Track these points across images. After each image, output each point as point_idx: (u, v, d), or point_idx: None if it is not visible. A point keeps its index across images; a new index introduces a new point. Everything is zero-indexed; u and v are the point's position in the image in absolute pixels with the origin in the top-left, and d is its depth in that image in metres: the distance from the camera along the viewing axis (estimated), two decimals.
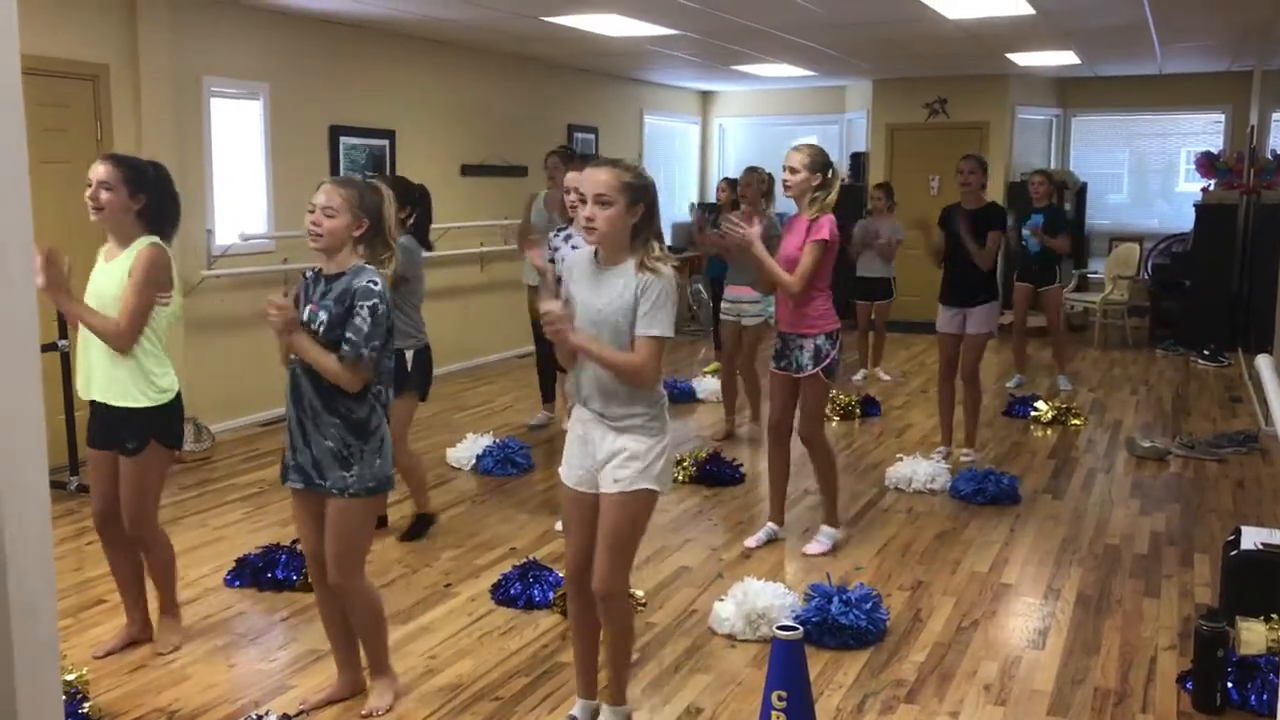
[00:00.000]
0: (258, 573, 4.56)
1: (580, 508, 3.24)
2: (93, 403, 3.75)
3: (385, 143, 8.58)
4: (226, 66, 7.20)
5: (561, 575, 4.41)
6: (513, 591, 4.41)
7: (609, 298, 3.12)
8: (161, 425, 3.74)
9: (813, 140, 8.68)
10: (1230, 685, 3.56)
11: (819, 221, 4.72)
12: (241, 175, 7.41)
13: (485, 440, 6.55)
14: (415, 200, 5.12)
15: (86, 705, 3.42)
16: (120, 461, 3.73)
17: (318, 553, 3.39)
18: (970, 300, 6.38)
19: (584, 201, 3.13)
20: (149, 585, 4.01)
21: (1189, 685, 3.64)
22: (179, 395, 3.80)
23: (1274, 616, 3.78)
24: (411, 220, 5.06)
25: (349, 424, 3.27)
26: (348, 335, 3.20)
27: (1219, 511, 5.68)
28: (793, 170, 4.75)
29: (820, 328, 4.80)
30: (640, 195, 3.10)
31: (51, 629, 0.98)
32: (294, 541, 4.73)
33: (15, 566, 0.91)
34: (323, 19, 7.79)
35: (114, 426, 3.71)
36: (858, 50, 9.67)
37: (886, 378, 9.16)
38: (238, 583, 4.56)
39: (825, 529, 5.10)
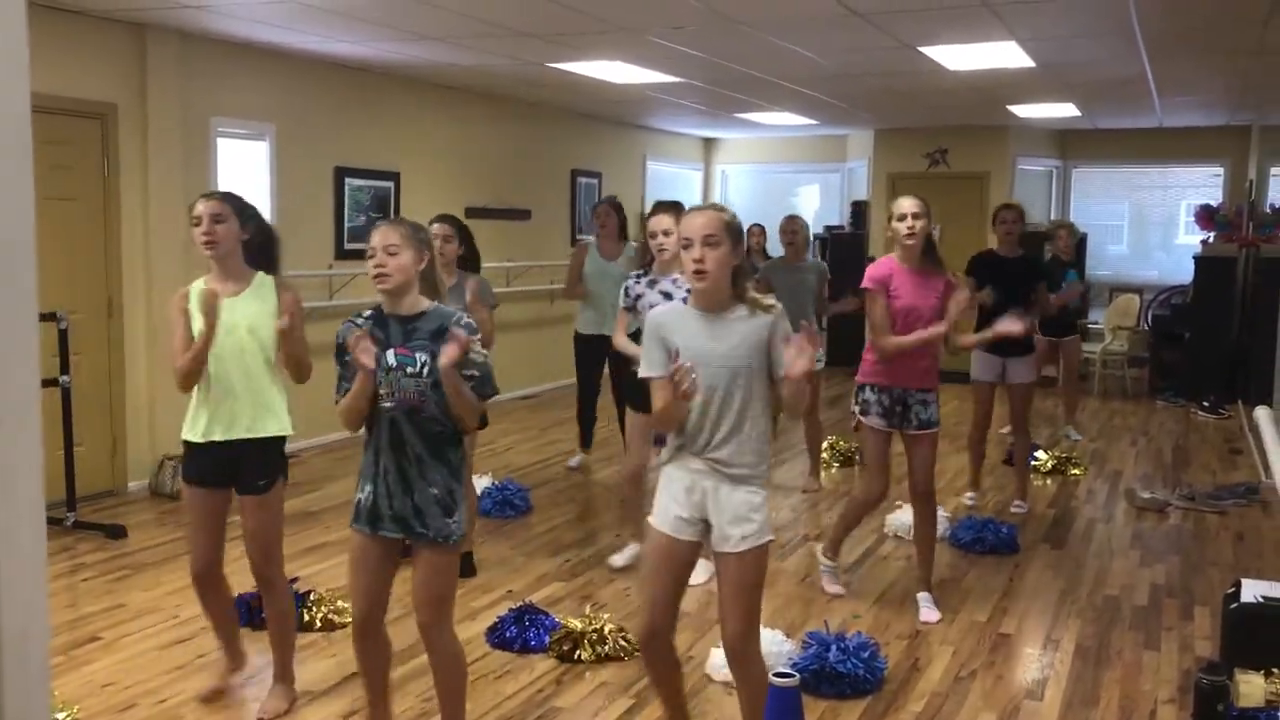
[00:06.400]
0: (253, 611, 4.53)
1: (672, 554, 3.14)
2: (213, 444, 3.61)
3: (390, 184, 8.64)
4: (234, 107, 7.27)
5: (559, 620, 4.40)
6: (508, 635, 4.39)
7: (732, 343, 3.05)
8: (285, 458, 3.76)
9: (815, 188, 8.63)
10: None
11: (950, 279, 4.73)
12: None
13: (484, 481, 6.54)
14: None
15: None
16: (247, 505, 3.66)
17: (379, 601, 3.30)
18: (1013, 350, 6.30)
19: (687, 246, 3.03)
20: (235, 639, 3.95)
21: None
22: None
23: (1274, 671, 3.75)
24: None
25: (450, 469, 3.21)
26: (473, 374, 3.14)
27: (1219, 564, 5.65)
28: (915, 216, 4.60)
29: (937, 382, 4.82)
30: (739, 236, 3.09)
31: (43, 662, 0.98)
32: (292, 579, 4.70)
33: (7, 596, 0.91)
34: (329, 62, 7.87)
35: (245, 463, 3.64)
36: (860, 100, 9.76)
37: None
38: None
39: (928, 595, 4.88)
